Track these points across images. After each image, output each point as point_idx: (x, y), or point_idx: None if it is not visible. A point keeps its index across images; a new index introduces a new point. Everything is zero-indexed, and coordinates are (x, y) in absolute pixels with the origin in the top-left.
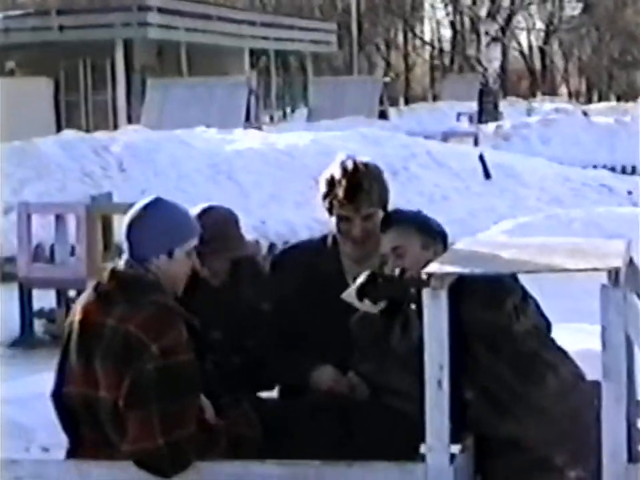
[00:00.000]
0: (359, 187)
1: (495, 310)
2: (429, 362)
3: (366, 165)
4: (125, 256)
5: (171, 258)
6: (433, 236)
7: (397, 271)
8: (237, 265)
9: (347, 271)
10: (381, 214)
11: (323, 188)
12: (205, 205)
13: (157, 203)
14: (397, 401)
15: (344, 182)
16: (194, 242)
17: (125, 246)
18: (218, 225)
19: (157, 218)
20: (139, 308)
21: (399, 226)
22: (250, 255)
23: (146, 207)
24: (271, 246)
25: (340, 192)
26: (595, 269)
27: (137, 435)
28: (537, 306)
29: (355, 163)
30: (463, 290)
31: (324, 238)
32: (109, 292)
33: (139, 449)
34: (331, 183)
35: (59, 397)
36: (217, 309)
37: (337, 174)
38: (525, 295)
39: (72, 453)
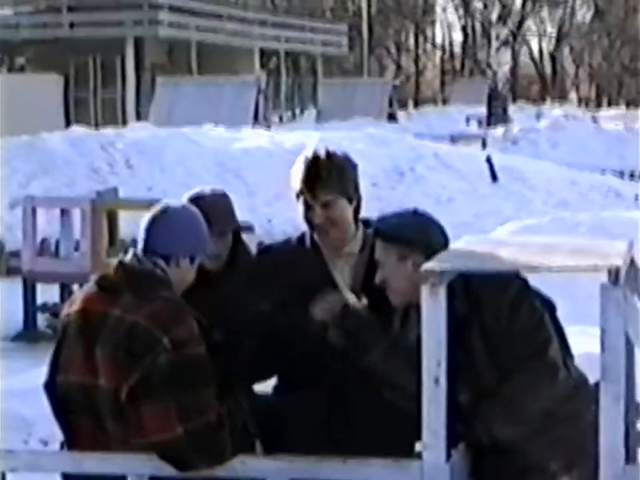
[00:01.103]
0: (316, 174)
1: (500, 293)
2: (427, 358)
3: (330, 154)
4: (135, 250)
5: (192, 263)
6: (410, 247)
7: (378, 281)
8: (235, 254)
9: (328, 261)
10: (344, 203)
11: (291, 179)
12: (196, 190)
13: (189, 207)
14: (394, 396)
15: (303, 170)
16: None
17: (143, 237)
18: (219, 206)
19: (193, 220)
20: (147, 301)
21: (378, 238)
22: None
23: (180, 208)
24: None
25: (300, 180)
26: (595, 268)
27: (154, 427)
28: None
29: (315, 152)
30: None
31: (302, 236)
32: (114, 284)
33: (158, 440)
34: (295, 173)
35: (52, 386)
36: (215, 304)
37: (299, 164)
38: (526, 289)
39: (66, 444)
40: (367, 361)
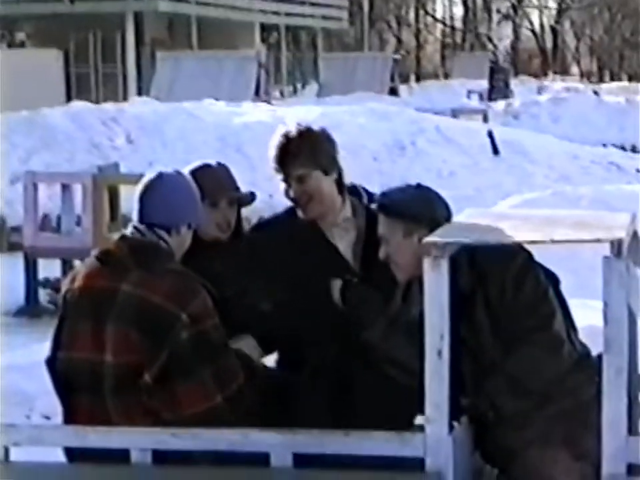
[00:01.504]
0: (285, 151)
1: (505, 266)
2: (430, 331)
3: (301, 130)
4: (134, 223)
5: (189, 229)
6: (416, 222)
7: (382, 257)
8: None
9: (326, 232)
10: (319, 175)
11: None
12: (197, 163)
13: (181, 173)
14: (395, 372)
15: (275, 148)
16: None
17: (138, 208)
18: (222, 177)
19: (188, 186)
20: (157, 276)
21: (383, 213)
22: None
23: (173, 175)
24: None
25: (273, 158)
26: (598, 240)
27: (193, 401)
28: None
29: (285, 130)
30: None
31: (292, 208)
32: (119, 258)
33: (202, 410)
34: (270, 150)
35: (54, 363)
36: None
37: (273, 141)
38: (531, 262)
39: (66, 420)
40: (367, 337)
